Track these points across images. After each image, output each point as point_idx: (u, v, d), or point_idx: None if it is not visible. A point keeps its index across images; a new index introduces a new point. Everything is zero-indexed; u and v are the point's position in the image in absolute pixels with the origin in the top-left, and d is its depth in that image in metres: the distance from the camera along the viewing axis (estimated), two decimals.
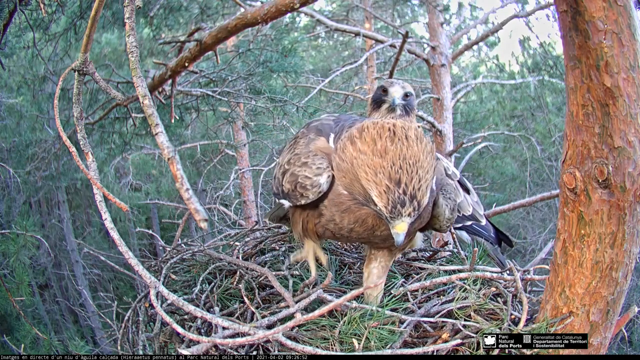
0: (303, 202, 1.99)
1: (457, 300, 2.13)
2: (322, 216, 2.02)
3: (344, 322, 2.02)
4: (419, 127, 1.85)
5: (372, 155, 1.71)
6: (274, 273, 2.65)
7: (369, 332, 1.93)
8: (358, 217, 1.93)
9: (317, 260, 2.34)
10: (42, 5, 3.62)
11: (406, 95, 2.80)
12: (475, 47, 10.61)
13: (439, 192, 2.12)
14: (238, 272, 2.60)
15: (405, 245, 2.29)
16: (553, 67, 9.19)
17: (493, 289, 2.23)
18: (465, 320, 2.00)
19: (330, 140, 2.05)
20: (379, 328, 1.96)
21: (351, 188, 1.83)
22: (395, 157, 1.68)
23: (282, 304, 2.30)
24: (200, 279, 2.66)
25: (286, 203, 2.15)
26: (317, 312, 1.61)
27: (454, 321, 1.98)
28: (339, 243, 3.10)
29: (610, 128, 1.60)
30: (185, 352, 1.76)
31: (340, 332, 1.97)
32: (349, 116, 2.26)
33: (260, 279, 2.61)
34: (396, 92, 2.76)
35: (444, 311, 2.11)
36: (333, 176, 1.92)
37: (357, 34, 7.53)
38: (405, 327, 1.97)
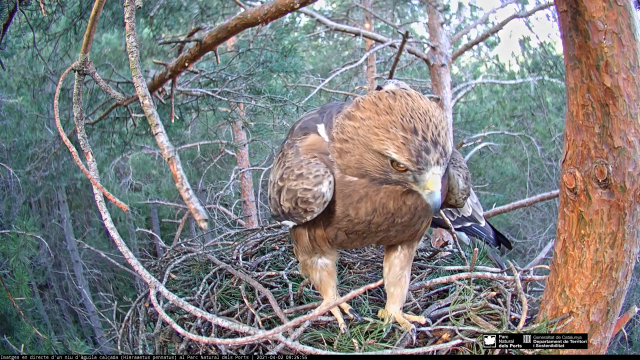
0: (309, 218, 1.80)
1: (456, 303, 2.11)
2: (332, 216, 1.82)
3: (343, 334, 2.00)
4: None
5: (378, 115, 1.55)
6: (273, 273, 2.66)
7: (367, 348, 1.92)
8: (376, 202, 1.75)
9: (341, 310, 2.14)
10: (42, 5, 3.62)
11: None
12: (475, 47, 10.60)
13: (449, 163, 1.90)
14: (238, 272, 2.60)
15: (428, 223, 2.06)
16: (553, 67, 9.19)
17: (493, 293, 2.21)
18: (465, 323, 2.00)
19: (320, 131, 1.84)
20: (377, 344, 1.94)
21: (363, 166, 1.64)
22: (403, 109, 1.53)
23: (286, 311, 2.31)
24: (201, 279, 2.67)
25: (289, 223, 1.96)
26: (317, 312, 1.61)
27: (452, 327, 1.95)
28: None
29: (610, 128, 1.60)
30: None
31: (339, 343, 1.97)
32: (334, 103, 2.05)
33: (261, 279, 2.61)
34: (389, 89, 2.78)
35: (444, 317, 2.07)
36: (333, 176, 1.76)
37: (357, 34, 7.53)
38: (403, 338, 1.95)
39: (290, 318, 2.18)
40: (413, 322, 2.00)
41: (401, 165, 1.55)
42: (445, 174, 1.63)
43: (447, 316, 2.05)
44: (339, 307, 2.12)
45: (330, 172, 1.74)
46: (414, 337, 1.93)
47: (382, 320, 2.07)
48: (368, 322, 2.06)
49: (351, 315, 2.07)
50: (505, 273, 2.44)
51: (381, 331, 2.00)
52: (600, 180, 1.65)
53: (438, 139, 1.52)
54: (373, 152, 1.58)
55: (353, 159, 1.66)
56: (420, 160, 1.51)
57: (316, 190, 1.72)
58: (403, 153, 1.51)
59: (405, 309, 2.19)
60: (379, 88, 2.85)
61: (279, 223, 2.06)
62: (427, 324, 2.02)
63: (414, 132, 1.50)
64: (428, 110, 1.55)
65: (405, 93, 1.59)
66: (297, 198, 1.77)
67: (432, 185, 1.54)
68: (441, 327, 2.00)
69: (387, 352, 1.82)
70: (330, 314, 2.13)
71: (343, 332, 1.98)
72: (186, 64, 3.63)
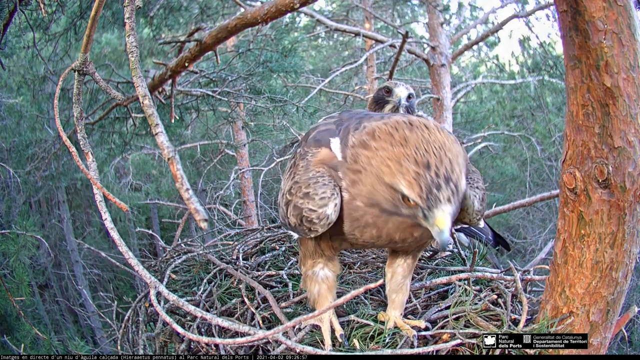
0: (313, 235, 1.83)
1: (456, 305, 2.11)
2: (338, 231, 1.83)
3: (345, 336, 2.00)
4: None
5: (392, 147, 1.52)
6: (273, 273, 2.66)
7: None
8: (383, 230, 1.75)
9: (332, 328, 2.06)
10: (42, 5, 3.62)
11: (409, 97, 2.82)
12: (475, 47, 10.59)
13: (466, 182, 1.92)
14: (238, 272, 2.60)
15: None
16: (553, 67, 9.18)
17: (494, 296, 2.21)
18: (465, 325, 2.00)
19: (333, 146, 1.80)
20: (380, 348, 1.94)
21: (374, 197, 1.62)
22: (418, 142, 1.50)
23: (283, 304, 2.31)
24: (201, 279, 2.67)
25: (295, 235, 1.99)
26: (316, 312, 1.61)
27: (452, 331, 1.95)
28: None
29: (610, 128, 1.60)
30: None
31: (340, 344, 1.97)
32: (352, 113, 1.96)
33: (261, 278, 2.61)
34: (402, 93, 2.78)
35: (445, 320, 2.07)
36: (342, 191, 1.74)
37: (357, 34, 7.53)
38: (404, 343, 1.96)
39: (288, 316, 2.18)
40: (413, 327, 2.01)
41: (411, 201, 1.51)
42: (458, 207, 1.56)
43: (447, 320, 2.06)
44: (331, 324, 2.07)
45: (338, 193, 1.73)
46: (415, 343, 1.94)
47: (383, 323, 2.07)
48: (369, 325, 2.06)
49: (340, 340, 2.00)
50: (505, 273, 2.44)
51: (381, 333, 2.00)
52: (600, 180, 1.65)
53: (451, 176, 1.48)
54: (385, 184, 1.56)
55: (365, 189, 1.65)
56: (430, 197, 1.46)
57: (321, 212, 1.72)
58: (414, 188, 1.47)
59: (405, 309, 2.19)
60: (385, 88, 2.85)
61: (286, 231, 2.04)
62: (427, 329, 2.03)
63: (426, 167, 1.47)
64: (444, 144, 1.52)
65: (423, 124, 1.56)
66: (302, 216, 1.78)
67: (441, 224, 1.49)
68: (441, 331, 2.00)
69: (387, 352, 1.82)
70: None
71: (328, 351, 1.92)
72: (186, 64, 3.63)
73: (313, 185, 1.76)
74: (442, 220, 1.48)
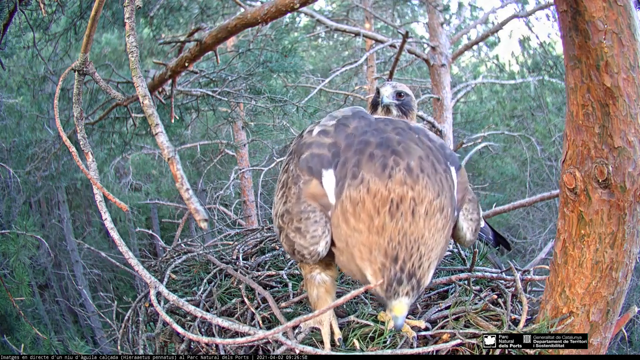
0: (304, 263, 1.91)
1: (456, 305, 2.11)
2: (330, 254, 1.84)
3: (344, 337, 2.00)
4: (436, 200, 1.61)
5: (368, 233, 1.57)
6: (273, 273, 2.66)
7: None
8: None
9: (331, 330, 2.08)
10: (42, 5, 3.62)
11: (399, 95, 2.79)
12: (475, 47, 10.59)
13: (460, 212, 1.93)
14: (238, 272, 2.61)
15: None
16: (553, 67, 9.18)
17: (494, 296, 2.21)
18: (465, 325, 1.99)
19: (325, 181, 1.77)
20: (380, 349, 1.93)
21: (348, 267, 1.71)
22: (394, 233, 1.54)
23: (283, 304, 2.31)
24: (201, 279, 2.67)
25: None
26: (316, 312, 1.61)
27: (452, 331, 1.95)
28: None
29: (610, 128, 1.60)
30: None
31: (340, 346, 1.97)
32: (349, 135, 1.85)
33: (261, 278, 2.61)
34: (385, 92, 2.75)
35: (445, 320, 2.07)
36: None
37: (357, 34, 7.53)
38: (404, 343, 1.96)
39: (288, 316, 2.18)
40: (413, 327, 2.01)
41: (373, 289, 1.60)
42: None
43: (447, 320, 2.05)
44: (330, 327, 2.08)
45: (329, 230, 1.76)
46: (415, 343, 1.94)
47: (383, 324, 2.06)
48: (369, 325, 2.06)
49: (338, 344, 2.03)
50: (505, 273, 2.44)
51: (381, 333, 2.00)
52: (600, 180, 1.65)
53: (416, 272, 1.54)
54: (356, 264, 1.63)
55: (342, 259, 1.73)
56: (390, 289, 1.55)
57: (312, 250, 1.77)
58: (377, 278, 1.56)
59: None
60: (377, 91, 2.85)
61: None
62: (427, 329, 2.03)
63: (394, 260, 1.53)
64: (422, 236, 1.56)
65: (411, 211, 1.56)
66: (294, 249, 1.83)
67: (397, 311, 1.57)
68: (441, 331, 2.00)
69: (387, 352, 1.82)
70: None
71: (327, 352, 1.94)
72: (186, 64, 3.63)
73: (304, 222, 1.77)
74: (398, 309, 1.57)
